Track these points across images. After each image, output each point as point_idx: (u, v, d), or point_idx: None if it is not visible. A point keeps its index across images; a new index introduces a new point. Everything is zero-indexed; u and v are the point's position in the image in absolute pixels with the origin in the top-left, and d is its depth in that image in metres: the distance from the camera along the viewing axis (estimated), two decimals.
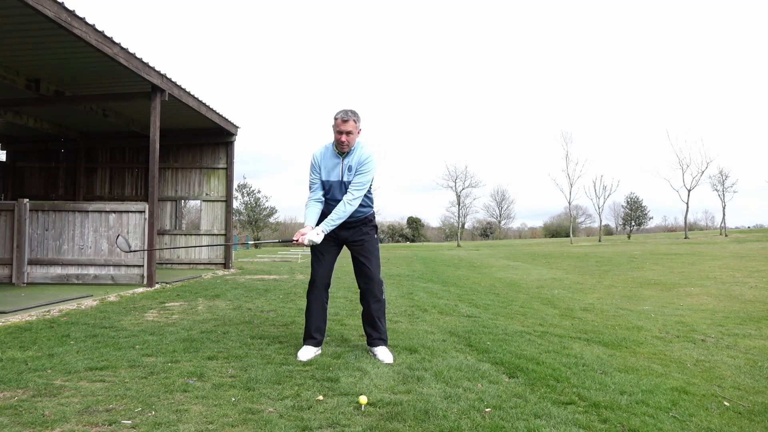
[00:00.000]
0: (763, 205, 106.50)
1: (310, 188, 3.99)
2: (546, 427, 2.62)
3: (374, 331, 3.98)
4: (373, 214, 4.16)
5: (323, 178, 3.94)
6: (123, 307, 6.39)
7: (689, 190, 44.70)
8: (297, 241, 3.74)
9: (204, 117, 11.31)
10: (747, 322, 6.12)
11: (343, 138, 3.77)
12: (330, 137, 3.93)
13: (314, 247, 4.04)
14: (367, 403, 2.87)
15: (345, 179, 3.88)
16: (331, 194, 3.95)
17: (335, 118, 3.78)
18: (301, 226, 3.93)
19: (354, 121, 3.75)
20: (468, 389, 3.19)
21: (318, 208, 3.95)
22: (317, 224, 3.87)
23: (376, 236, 4.16)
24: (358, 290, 4.10)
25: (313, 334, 3.98)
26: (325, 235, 3.96)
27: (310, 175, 3.99)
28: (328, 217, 3.83)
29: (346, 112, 3.76)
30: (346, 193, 3.86)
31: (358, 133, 3.84)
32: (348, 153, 3.88)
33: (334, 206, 3.87)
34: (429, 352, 4.11)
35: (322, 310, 4.04)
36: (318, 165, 3.95)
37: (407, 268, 14.74)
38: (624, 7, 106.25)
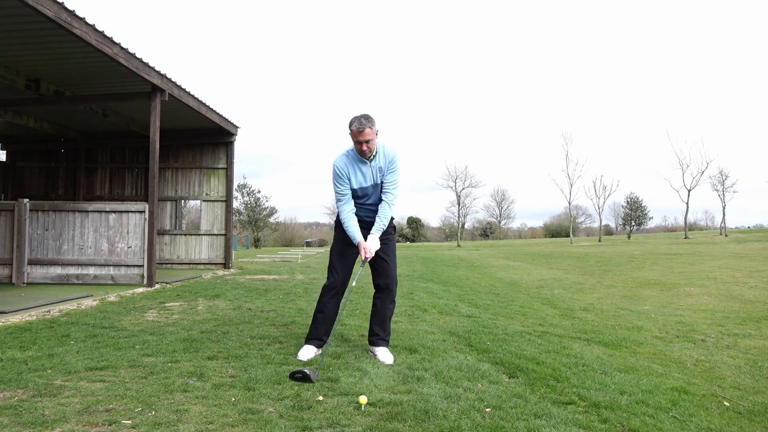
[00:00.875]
0: (763, 205, 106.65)
1: (340, 200, 3.94)
2: (546, 427, 2.62)
3: (382, 330, 4.01)
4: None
5: (354, 186, 3.92)
6: (123, 307, 6.39)
7: (689, 190, 44.73)
8: (367, 258, 3.85)
9: (204, 117, 11.31)
10: (747, 322, 6.12)
11: (365, 147, 3.78)
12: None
13: (338, 250, 4.06)
14: (367, 403, 2.87)
15: (378, 181, 3.93)
16: (367, 199, 3.97)
17: (351, 129, 3.77)
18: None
19: (369, 128, 3.73)
20: (468, 389, 3.19)
21: (356, 218, 3.95)
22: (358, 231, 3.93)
23: (395, 236, 4.27)
24: (375, 289, 4.11)
25: (321, 336, 4.00)
26: (351, 239, 3.98)
27: (337, 186, 3.93)
28: (377, 222, 3.91)
29: (360, 121, 3.71)
30: (381, 193, 3.93)
31: (376, 134, 3.83)
32: (373, 156, 3.90)
33: (369, 209, 3.95)
34: (429, 352, 4.11)
35: (336, 313, 4.05)
36: (345, 175, 3.91)
37: (407, 268, 14.74)
38: (624, 7, 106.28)
